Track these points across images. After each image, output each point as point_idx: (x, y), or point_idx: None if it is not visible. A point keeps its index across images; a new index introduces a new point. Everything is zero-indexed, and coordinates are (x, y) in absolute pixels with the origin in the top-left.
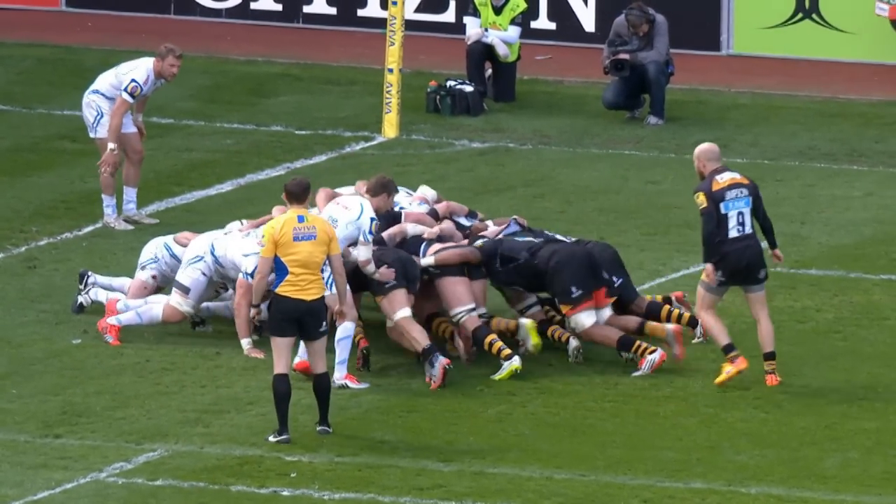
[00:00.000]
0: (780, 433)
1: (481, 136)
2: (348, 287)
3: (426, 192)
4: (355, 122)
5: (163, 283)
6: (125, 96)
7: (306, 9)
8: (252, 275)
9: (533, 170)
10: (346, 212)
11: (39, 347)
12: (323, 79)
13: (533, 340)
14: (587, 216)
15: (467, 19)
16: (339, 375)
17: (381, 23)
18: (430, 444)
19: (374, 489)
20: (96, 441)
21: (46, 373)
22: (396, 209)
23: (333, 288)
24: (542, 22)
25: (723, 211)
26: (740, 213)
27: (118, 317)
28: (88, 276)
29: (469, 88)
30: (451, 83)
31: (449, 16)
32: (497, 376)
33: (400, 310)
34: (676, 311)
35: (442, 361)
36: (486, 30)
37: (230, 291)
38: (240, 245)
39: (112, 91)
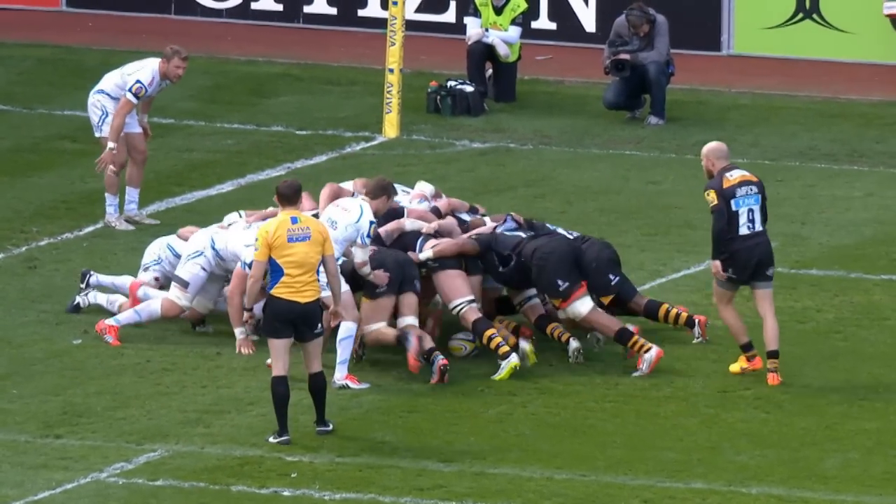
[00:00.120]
0: (780, 433)
1: (482, 136)
2: (348, 287)
3: (424, 187)
4: (356, 122)
5: (165, 284)
6: (129, 97)
7: (307, 9)
8: (251, 266)
9: (533, 170)
10: (346, 214)
11: (40, 348)
12: (323, 79)
13: (529, 361)
14: (588, 216)
15: (468, 19)
16: (340, 376)
17: (381, 23)
18: (431, 445)
19: (374, 489)
20: (97, 441)
21: (47, 373)
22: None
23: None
24: (543, 22)
25: (733, 208)
26: (750, 210)
27: (116, 317)
28: (90, 276)
29: (470, 89)
30: (451, 83)
31: (449, 16)
32: (497, 376)
33: (375, 323)
34: (674, 311)
35: (413, 338)
36: (487, 30)
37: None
38: (241, 236)
39: (117, 91)
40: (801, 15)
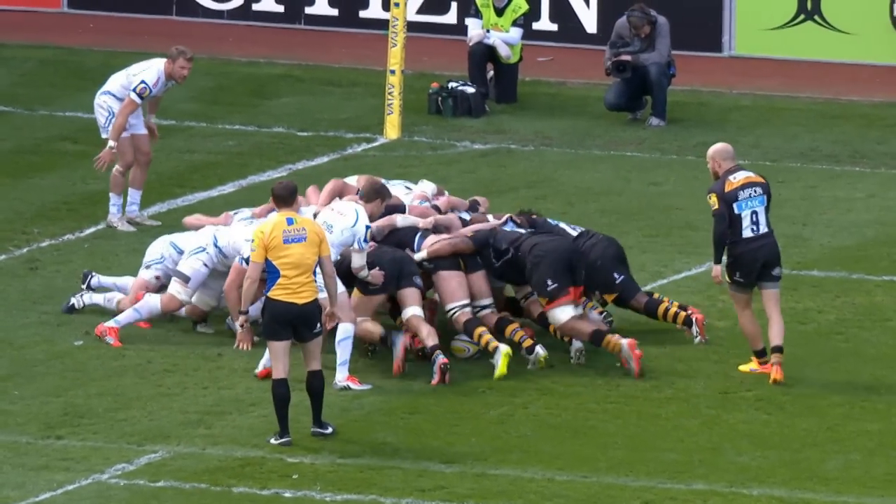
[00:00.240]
0: (781, 435)
1: (483, 137)
2: (344, 288)
3: (426, 187)
4: (357, 123)
5: (167, 283)
6: (133, 97)
7: (308, 10)
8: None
9: (535, 171)
10: (342, 218)
11: (41, 349)
12: (325, 80)
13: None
14: (589, 217)
15: (469, 21)
16: (341, 377)
17: (383, 24)
18: (432, 446)
19: (376, 490)
20: (98, 442)
21: (48, 374)
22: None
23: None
24: (544, 23)
25: (736, 211)
26: (754, 213)
27: (116, 318)
28: (91, 277)
29: (471, 90)
30: (452, 84)
31: (451, 17)
32: (496, 374)
33: (360, 316)
34: (673, 310)
35: (403, 339)
36: (488, 31)
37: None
38: (242, 232)
39: (122, 92)
40: (802, 16)
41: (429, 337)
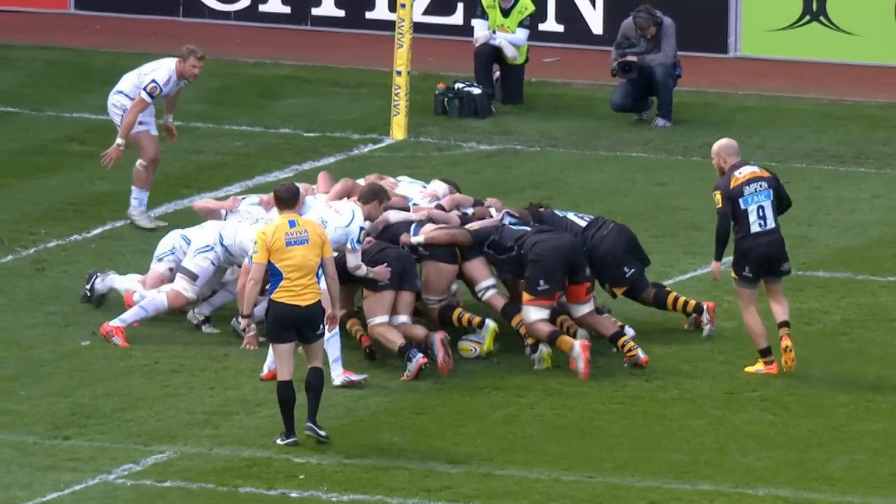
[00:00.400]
0: (787, 435)
1: (489, 138)
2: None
3: (438, 187)
4: (363, 124)
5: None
6: (143, 96)
7: (314, 11)
8: None
9: (541, 172)
10: (338, 216)
11: (48, 349)
12: (331, 81)
13: (486, 345)
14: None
15: (475, 22)
16: (338, 373)
17: (389, 25)
18: (438, 446)
19: (382, 491)
20: (105, 442)
21: (55, 374)
22: (410, 204)
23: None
24: (550, 24)
25: (742, 206)
26: (761, 207)
27: (121, 317)
28: (96, 277)
29: (477, 91)
30: (459, 85)
31: (457, 18)
32: (485, 346)
33: (379, 315)
34: (682, 299)
35: (419, 359)
36: (494, 32)
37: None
38: (249, 231)
39: (135, 91)
40: (807, 17)
41: (396, 338)
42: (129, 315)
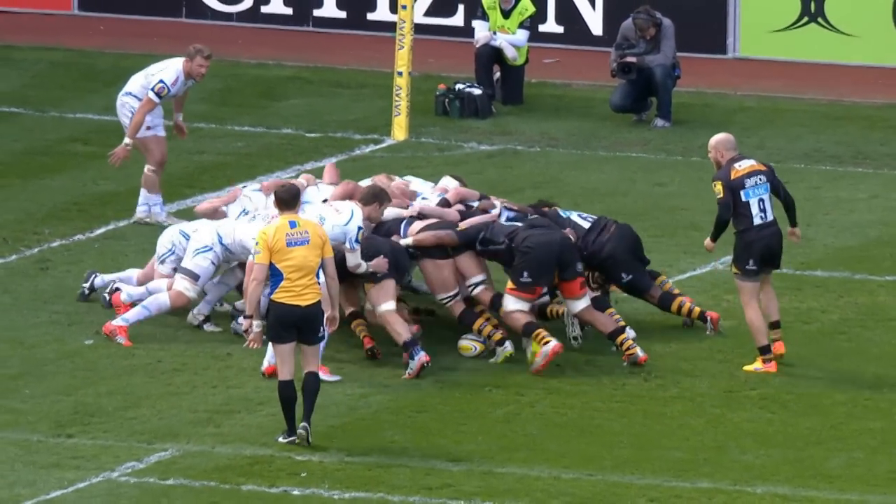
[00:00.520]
0: (785, 433)
1: (490, 138)
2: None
3: (448, 183)
4: (365, 124)
5: None
6: (151, 96)
7: (316, 12)
8: None
9: (541, 172)
10: (337, 215)
11: (52, 348)
12: (333, 82)
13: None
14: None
15: (476, 23)
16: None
17: (390, 26)
18: (440, 444)
19: (383, 489)
20: (108, 441)
21: (59, 373)
22: (419, 198)
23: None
24: (550, 25)
25: (744, 199)
26: (761, 200)
27: (124, 316)
28: (95, 276)
29: (477, 91)
30: (459, 86)
31: (458, 19)
32: (492, 360)
33: (386, 302)
34: (687, 305)
35: (422, 357)
36: (495, 33)
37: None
38: (248, 229)
39: (143, 92)
40: (806, 18)
41: (403, 330)
42: (132, 314)
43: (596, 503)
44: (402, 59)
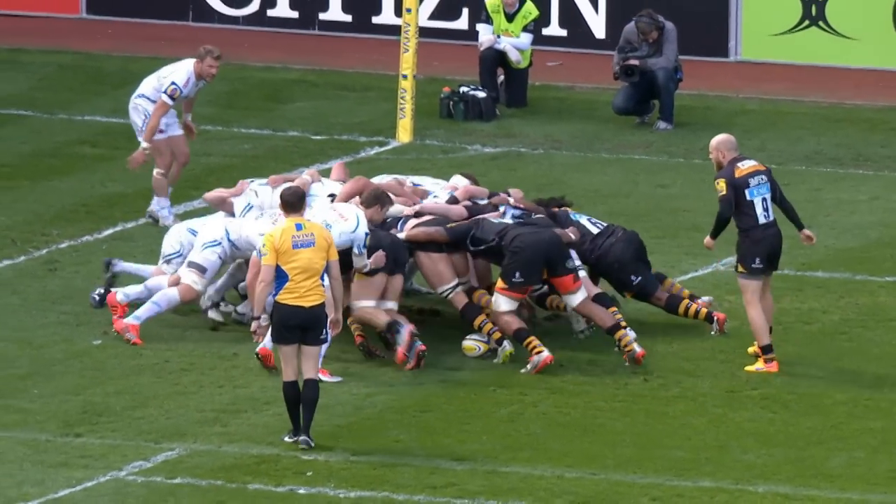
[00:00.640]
0: (786, 433)
1: (494, 140)
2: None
3: (458, 181)
4: (370, 127)
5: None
6: (165, 98)
7: (322, 16)
8: None
9: (544, 174)
10: (343, 222)
11: (60, 348)
12: (338, 85)
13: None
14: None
15: (480, 26)
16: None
17: (395, 30)
18: (444, 444)
19: (388, 487)
20: (116, 440)
21: (67, 373)
22: (430, 196)
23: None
24: (554, 29)
25: (748, 197)
26: (764, 200)
27: (135, 314)
28: (113, 265)
29: (482, 94)
30: (464, 89)
31: (462, 23)
32: (495, 360)
33: (365, 300)
34: (694, 307)
35: (409, 328)
36: (499, 36)
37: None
38: (255, 226)
39: (156, 94)
40: (807, 22)
41: (381, 316)
42: (143, 311)
43: (599, 502)
44: (407, 63)
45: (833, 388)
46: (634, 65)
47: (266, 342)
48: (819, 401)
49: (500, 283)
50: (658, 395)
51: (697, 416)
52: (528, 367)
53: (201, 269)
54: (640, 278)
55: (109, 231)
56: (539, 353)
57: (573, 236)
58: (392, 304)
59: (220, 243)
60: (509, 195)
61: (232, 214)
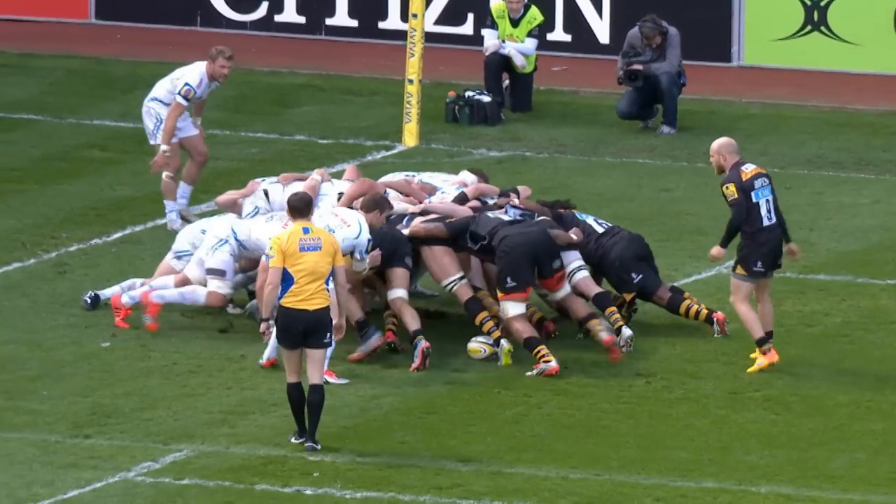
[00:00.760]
0: (789, 434)
1: (499, 144)
2: None
3: (466, 177)
4: (376, 131)
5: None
6: (179, 99)
7: (329, 21)
8: None
9: (549, 178)
10: (346, 228)
11: (69, 350)
12: (345, 89)
13: (504, 362)
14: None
15: (485, 32)
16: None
17: (401, 35)
18: (449, 445)
19: (394, 488)
20: (125, 441)
21: (76, 375)
22: (439, 193)
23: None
24: (558, 34)
25: (753, 200)
26: (768, 201)
27: (160, 293)
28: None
29: (487, 99)
30: (469, 93)
31: (467, 28)
32: (499, 363)
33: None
34: (695, 307)
35: (379, 338)
36: (504, 42)
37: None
38: (265, 228)
39: (169, 97)
40: (809, 27)
41: (412, 321)
42: (169, 295)
43: (603, 503)
44: (413, 67)
45: (835, 389)
46: (638, 70)
47: (270, 353)
48: (821, 402)
49: (498, 292)
50: (661, 396)
51: (700, 418)
52: (534, 371)
53: (221, 273)
54: (641, 276)
55: (118, 234)
56: (547, 362)
57: (576, 237)
58: (402, 293)
59: (226, 241)
60: (517, 193)
61: (240, 216)
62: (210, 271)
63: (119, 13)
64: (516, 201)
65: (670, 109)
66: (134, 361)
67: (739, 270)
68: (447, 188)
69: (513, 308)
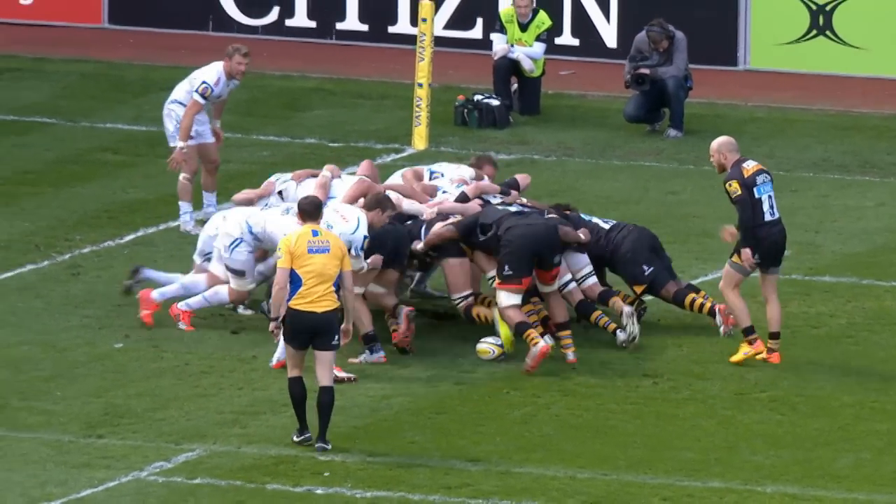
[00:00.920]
0: (794, 434)
1: (507, 148)
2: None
3: (465, 172)
4: (386, 134)
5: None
6: (196, 97)
7: (339, 25)
8: None
9: (557, 181)
10: (344, 223)
11: (83, 351)
12: (355, 93)
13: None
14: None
15: (494, 36)
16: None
17: (411, 39)
18: (458, 445)
19: (404, 488)
20: (137, 441)
21: (89, 375)
22: (440, 193)
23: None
24: (566, 38)
25: (756, 195)
26: (769, 197)
27: (188, 302)
28: (140, 272)
29: (496, 102)
30: (478, 97)
31: (476, 32)
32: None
33: (359, 288)
34: (699, 301)
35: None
36: (513, 46)
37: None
38: (280, 223)
39: (188, 98)
40: (814, 31)
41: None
42: (195, 302)
43: (610, 502)
44: (423, 71)
45: (840, 390)
46: (645, 73)
47: (279, 354)
48: (826, 403)
49: (496, 280)
50: (668, 397)
51: (707, 418)
52: (528, 360)
53: (240, 273)
54: (652, 268)
55: (131, 236)
56: (535, 344)
57: (584, 237)
58: (380, 289)
59: (241, 240)
60: (517, 185)
61: None
62: (230, 270)
63: (132, 18)
64: (524, 200)
65: (677, 113)
66: (146, 362)
67: (735, 259)
68: (449, 189)
69: (507, 298)
